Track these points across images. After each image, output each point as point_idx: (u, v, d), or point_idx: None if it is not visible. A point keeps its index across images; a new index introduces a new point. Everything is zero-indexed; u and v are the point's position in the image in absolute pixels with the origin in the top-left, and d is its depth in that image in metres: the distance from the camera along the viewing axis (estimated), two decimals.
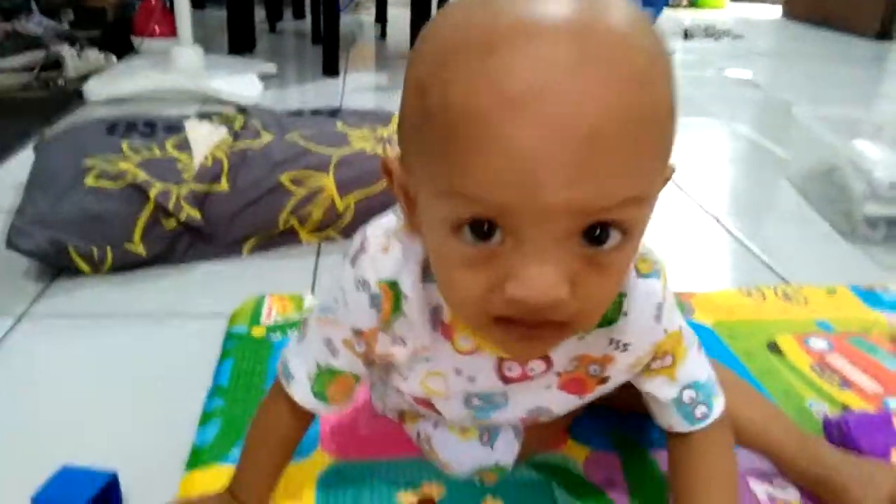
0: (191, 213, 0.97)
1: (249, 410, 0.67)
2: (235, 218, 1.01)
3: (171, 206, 0.96)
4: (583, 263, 0.35)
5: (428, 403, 0.54)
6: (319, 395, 0.51)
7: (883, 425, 0.66)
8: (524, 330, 0.37)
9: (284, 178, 1.04)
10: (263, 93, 1.83)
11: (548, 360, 0.48)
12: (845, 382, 0.78)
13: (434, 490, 0.59)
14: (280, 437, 0.55)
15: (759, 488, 0.62)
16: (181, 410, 0.68)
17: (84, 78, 1.88)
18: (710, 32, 3.42)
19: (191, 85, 1.76)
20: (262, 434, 0.55)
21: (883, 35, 3.37)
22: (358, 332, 0.48)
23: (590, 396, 0.53)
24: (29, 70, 1.97)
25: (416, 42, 0.38)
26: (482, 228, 0.35)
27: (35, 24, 2.12)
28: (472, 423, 0.57)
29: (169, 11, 2.07)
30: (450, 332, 0.47)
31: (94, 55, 2.02)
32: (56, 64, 1.99)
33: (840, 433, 0.66)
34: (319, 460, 0.62)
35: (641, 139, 0.33)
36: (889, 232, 1.17)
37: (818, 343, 0.85)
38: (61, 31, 2.14)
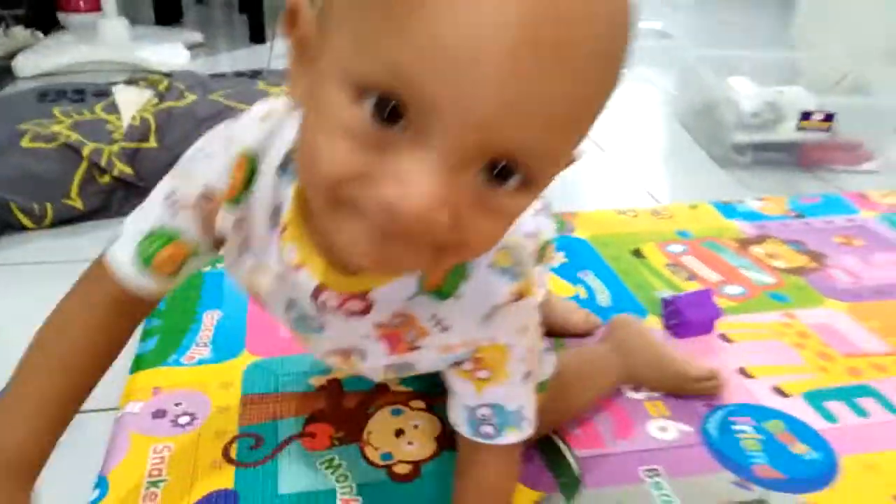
0: (123, 168, 1.07)
1: (182, 325, 0.79)
2: (164, 172, 1.10)
3: (103, 162, 1.05)
4: (473, 199, 0.32)
5: (254, 296, 0.50)
6: (144, 259, 0.45)
7: (706, 300, 0.81)
8: (379, 233, 0.32)
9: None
10: (192, 61, 1.90)
11: (366, 304, 0.43)
12: (692, 276, 0.93)
13: (341, 375, 0.72)
14: (83, 342, 0.48)
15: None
16: None
17: (11, 55, 1.91)
18: None
19: (118, 56, 1.81)
20: (54, 335, 0.48)
21: None
22: (207, 195, 0.44)
23: (397, 360, 0.49)
24: None
25: None
26: (387, 108, 0.30)
27: None
28: (291, 333, 0.52)
29: None
30: (280, 234, 0.43)
31: (20, 32, 2.05)
32: None
33: (673, 308, 0.80)
34: (245, 359, 0.74)
35: (600, 74, 0.31)
36: (755, 157, 1.33)
37: (676, 248, 1.00)
38: None
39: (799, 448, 0.65)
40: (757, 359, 0.77)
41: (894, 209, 1.13)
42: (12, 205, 0.99)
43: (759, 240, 1.03)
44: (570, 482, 0.60)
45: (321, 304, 0.43)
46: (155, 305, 0.51)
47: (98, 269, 0.47)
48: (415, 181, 0.29)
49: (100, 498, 0.57)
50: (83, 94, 1.24)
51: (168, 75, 1.36)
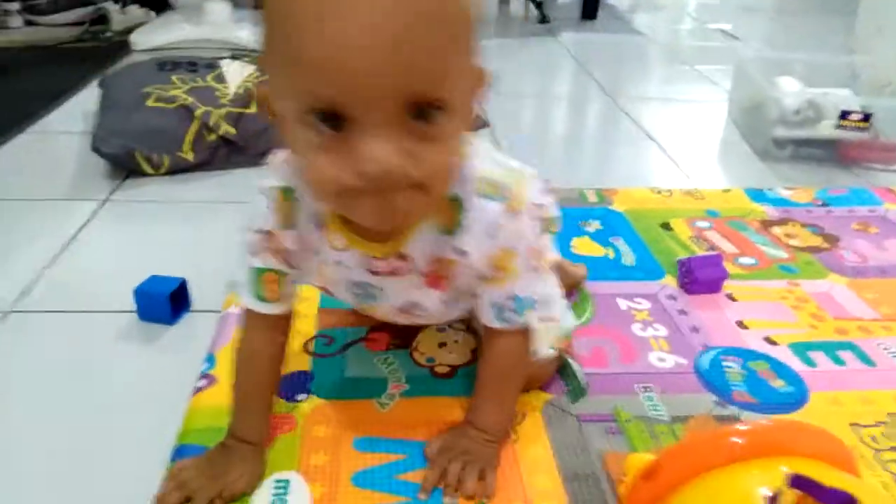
0: (228, 129, 1.25)
1: None
2: (262, 133, 1.28)
3: (212, 123, 1.24)
4: (415, 138, 0.43)
5: (325, 289, 0.68)
6: (259, 297, 0.60)
7: (716, 262, 0.93)
8: (377, 199, 0.44)
9: None
10: None
11: (404, 258, 0.57)
12: (712, 247, 1.05)
13: None
14: (261, 361, 0.63)
15: (623, 302, 0.90)
16: (230, 243, 0.96)
17: (127, 31, 2.15)
18: None
19: (220, 35, 2.03)
20: (245, 365, 0.63)
21: None
22: (264, 232, 0.57)
23: (448, 296, 0.62)
24: (80, 24, 2.26)
25: None
26: (329, 118, 0.42)
27: None
28: (361, 308, 0.69)
29: None
30: (326, 231, 0.57)
31: (136, 11, 2.30)
32: (102, 19, 2.28)
33: (686, 268, 0.93)
34: None
35: (440, 30, 0.42)
36: (795, 152, 1.42)
37: (702, 223, 1.12)
38: None
39: (776, 383, 0.77)
40: (755, 314, 0.88)
41: None
42: (137, 153, 1.19)
43: (781, 222, 1.13)
44: (575, 389, 0.74)
45: (374, 271, 0.57)
46: (290, 316, 0.64)
47: (248, 313, 0.62)
48: (367, 150, 0.42)
49: (208, 369, 0.74)
50: (196, 65, 1.44)
51: None
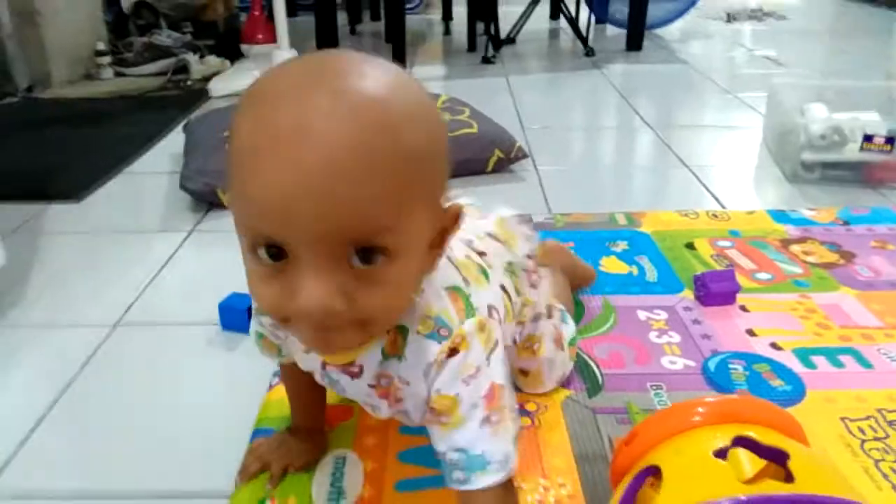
0: None
1: None
2: None
3: None
4: (356, 279, 0.42)
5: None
6: (261, 350, 0.67)
7: (729, 277, 1.02)
8: (317, 331, 0.44)
9: None
10: None
11: (359, 370, 0.55)
12: (731, 264, 1.14)
13: None
14: (300, 379, 0.67)
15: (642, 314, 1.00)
16: None
17: (206, 79, 2.38)
18: (754, 15, 3.65)
19: None
20: (289, 381, 0.74)
21: None
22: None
23: (397, 410, 0.58)
24: (163, 74, 2.50)
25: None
26: (273, 251, 0.41)
27: (165, 37, 2.65)
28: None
29: (270, 21, 2.55)
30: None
31: (213, 60, 2.53)
32: (183, 69, 2.52)
33: (701, 282, 1.02)
34: None
35: (384, 178, 0.40)
36: (823, 174, 1.49)
37: (724, 243, 1.21)
38: (186, 41, 2.66)
39: (776, 382, 0.85)
40: (765, 324, 0.97)
41: None
42: (218, 189, 1.36)
43: (801, 240, 1.21)
44: (593, 387, 0.85)
45: (328, 368, 0.57)
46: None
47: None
48: (304, 290, 0.41)
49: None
50: None
51: None
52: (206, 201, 1.38)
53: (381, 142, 0.40)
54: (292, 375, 0.69)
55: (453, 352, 0.51)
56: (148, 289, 1.11)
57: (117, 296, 1.08)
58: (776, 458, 0.51)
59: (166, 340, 0.98)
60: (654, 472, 0.53)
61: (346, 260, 0.41)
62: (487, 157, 1.53)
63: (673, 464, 0.53)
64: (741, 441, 0.52)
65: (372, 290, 0.42)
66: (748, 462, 0.49)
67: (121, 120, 2.07)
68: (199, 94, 2.28)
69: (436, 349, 0.51)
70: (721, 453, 0.51)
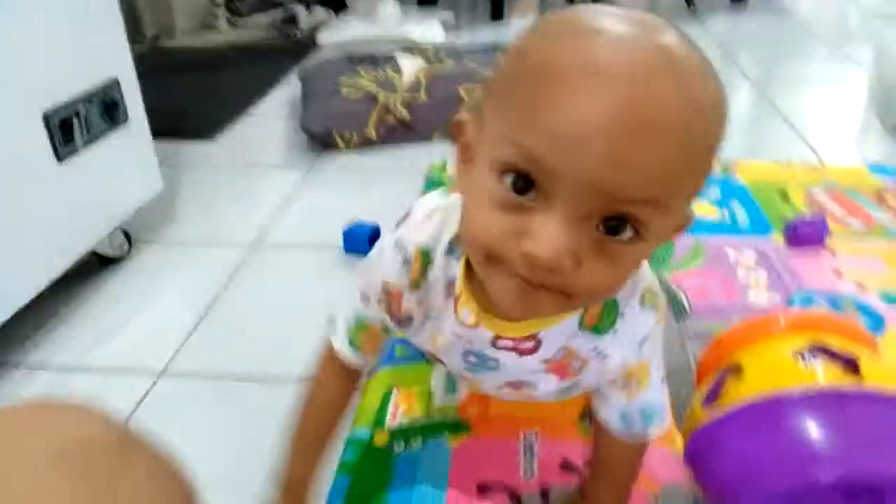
0: (403, 112, 1.53)
1: None
2: (429, 117, 1.55)
3: (391, 107, 1.52)
4: (593, 247, 0.38)
5: (433, 354, 0.59)
6: (353, 344, 0.58)
7: (820, 221, 1.07)
8: (523, 284, 0.40)
9: (461, 90, 1.56)
10: (445, 35, 2.37)
11: (537, 344, 0.52)
12: (821, 210, 1.17)
13: None
14: (327, 408, 0.62)
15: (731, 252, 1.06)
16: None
17: (312, 30, 2.51)
18: None
19: (391, 32, 2.32)
20: (317, 412, 0.62)
21: None
22: (386, 288, 0.54)
23: (566, 384, 0.56)
24: (273, 26, 2.65)
25: (525, 29, 0.41)
26: (522, 182, 0.38)
27: None
28: (466, 376, 0.60)
29: None
30: (455, 303, 0.51)
31: (320, 11, 2.66)
32: (292, 19, 2.65)
33: (792, 226, 1.07)
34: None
35: (685, 150, 0.37)
36: None
37: (817, 190, 1.24)
38: None
39: (857, 317, 0.91)
40: (851, 266, 1.02)
41: None
42: (334, 131, 1.49)
43: None
44: (679, 312, 0.93)
45: (500, 348, 0.52)
46: (367, 370, 0.64)
47: (329, 353, 0.61)
48: (544, 235, 0.37)
49: None
50: (377, 59, 1.73)
51: (432, 47, 1.82)
52: (323, 142, 1.51)
53: (698, 121, 0.37)
54: (329, 406, 0.62)
55: (660, 323, 0.53)
56: (279, 216, 1.25)
57: (253, 222, 1.23)
58: (849, 363, 0.58)
59: (297, 261, 1.12)
60: (737, 370, 0.62)
61: (595, 224, 0.38)
62: None
63: (755, 362, 0.61)
64: (817, 346, 0.59)
65: (602, 264, 0.39)
66: (822, 362, 0.57)
67: (239, 68, 2.23)
68: (308, 44, 2.41)
69: (652, 321, 0.52)
70: (799, 355, 0.59)
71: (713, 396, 0.62)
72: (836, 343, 0.60)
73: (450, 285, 0.51)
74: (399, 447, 0.75)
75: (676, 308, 0.94)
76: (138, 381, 0.86)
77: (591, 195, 0.36)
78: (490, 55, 1.74)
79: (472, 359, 0.55)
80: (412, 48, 1.81)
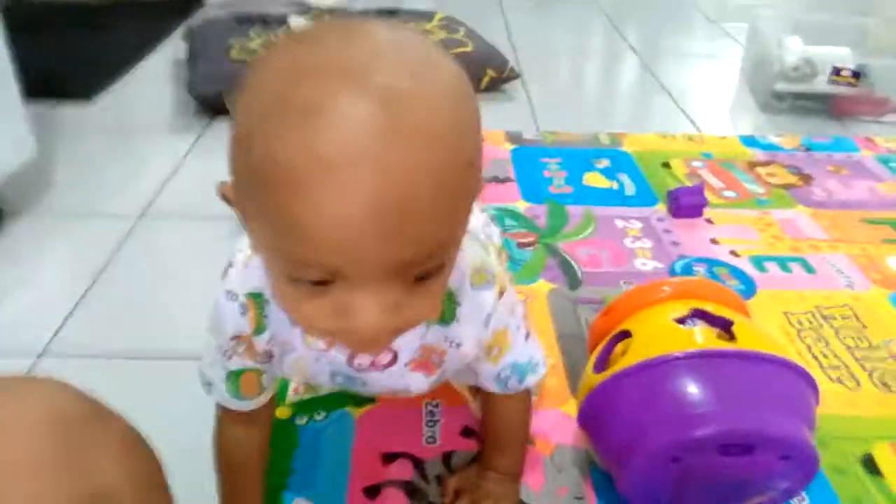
0: None
1: None
2: None
3: None
4: (405, 291, 0.39)
5: (302, 379, 0.64)
6: (238, 395, 0.55)
7: (698, 192, 1.14)
8: (363, 341, 0.41)
9: None
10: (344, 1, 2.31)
11: (395, 356, 0.53)
12: (701, 182, 1.25)
13: None
14: (243, 454, 0.60)
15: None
16: None
17: None
18: None
19: None
20: (230, 466, 0.60)
21: None
22: (236, 338, 0.52)
23: (435, 377, 0.57)
24: None
25: (241, 89, 0.38)
26: (318, 278, 0.38)
27: None
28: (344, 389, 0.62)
29: None
30: (303, 332, 0.52)
31: None
32: None
33: (673, 196, 1.14)
34: None
35: (452, 200, 0.37)
36: (792, 104, 1.60)
37: (697, 163, 1.32)
38: None
39: (732, 282, 0.98)
40: (727, 234, 1.10)
41: (891, 152, 1.39)
42: (224, 96, 1.43)
43: (766, 163, 1.33)
44: (573, 281, 0.97)
45: (358, 367, 0.54)
46: (270, 405, 0.61)
47: (221, 410, 0.58)
48: (361, 311, 0.38)
49: None
50: (267, 21, 1.67)
51: (327, 8, 1.77)
52: (213, 107, 1.45)
53: (447, 160, 0.36)
54: (240, 454, 0.60)
55: (501, 293, 0.54)
56: (166, 185, 1.20)
57: (139, 190, 1.17)
58: (724, 327, 0.63)
59: (184, 232, 1.07)
60: (625, 336, 0.66)
61: (399, 273, 0.38)
62: (480, 76, 1.60)
63: (642, 329, 0.65)
64: (696, 312, 0.64)
65: (422, 300, 0.40)
66: (701, 326, 0.62)
67: (117, 25, 2.08)
68: (192, 1, 2.29)
69: (491, 297, 0.53)
70: (681, 321, 0.63)
71: (604, 361, 0.65)
72: (713, 308, 0.65)
73: (292, 319, 0.50)
74: (301, 420, 0.75)
75: (570, 277, 0.98)
76: (15, 363, 0.81)
77: (380, 265, 0.36)
78: (387, 20, 1.72)
79: (340, 379, 0.56)
80: (306, 10, 1.76)
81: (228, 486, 0.61)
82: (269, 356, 0.54)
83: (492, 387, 0.60)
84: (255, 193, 0.36)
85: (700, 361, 0.60)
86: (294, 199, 0.34)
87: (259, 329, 0.52)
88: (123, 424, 0.35)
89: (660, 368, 0.60)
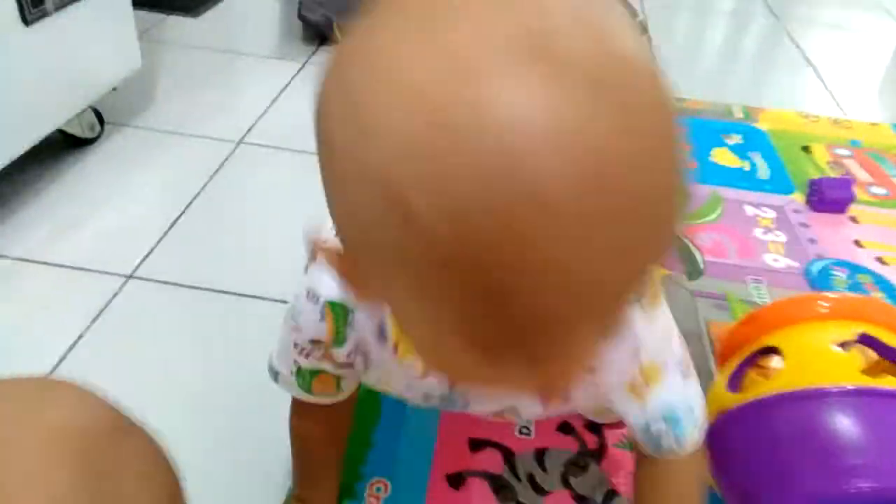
0: None
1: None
2: None
3: None
4: None
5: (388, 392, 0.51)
6: (307, 391, 0.49)
7: (845, 185, 1.01)
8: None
9: None
10: None
11: None
12: (847, 173, 1.11)
13: None
14: (318, 444, 0.55)
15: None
16: None
17: None
18: None
19: None
20: (301, 449, 0.55)
21: None
22: (315, 341, 0.46)
23: (555, 408, 0.50)
24: None
25: (336, 94, 0.26)
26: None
27: None
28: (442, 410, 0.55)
29: None
30: (395, 348, 0.44)
31: None
32: None
33: (815, 187, 1.01)
34: None
35: (666, 228, 0.26)
36: None
37: (842, 151, 1.18)
38: None
39: (876, 295, 0.86)
40: (872, 237, 0.97)
41: None
42: (335, 23, 1.36)
43: None
44: (693, 270, 0.87)
45: (463, 391, 0.45)
46: (351, 400, 0.53)
47: (297, 401, 0.51)
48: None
49: None
50: None
51: None
52: (321, 34, 1.38)
53: (658, 242, 0.26)
54: (319, 421, 0.53)
55: (650, 310, 0.43)
56: (267, 113, 1.15)
57: (238, 115, 1.12)
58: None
59: (283, 164, 1.02)
60: (770, 352, 0.56)
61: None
62: None
63: (792, 348, 0.55)
64: (865, 338, 0.54)
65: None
66: (867, 357, 0.52)
67: None
68: None
69: (646, 324, 0.42)
70: (842, 346, 0.54)
71: (738, 379, 0.57)
72: (884, 337, 0.54)
73: (380, 330, 0.44)
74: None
75: (690, 265, 0.88)
76: (103, 284, 0.79)
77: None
78: None
79: (435, 401, 0.48)
80: None
81: (303, 469, 0.56)
82: (349, 366, 0.46)
83: (640, 439, 0.47)
84: (416, 266, 0.25)
85: (863, 401, 0.50)
86: (496, 288, 0.23)
87: (339, 341, 0.45)
88: (145, 438, 0.33)
89: (813, 403, 0.51)
